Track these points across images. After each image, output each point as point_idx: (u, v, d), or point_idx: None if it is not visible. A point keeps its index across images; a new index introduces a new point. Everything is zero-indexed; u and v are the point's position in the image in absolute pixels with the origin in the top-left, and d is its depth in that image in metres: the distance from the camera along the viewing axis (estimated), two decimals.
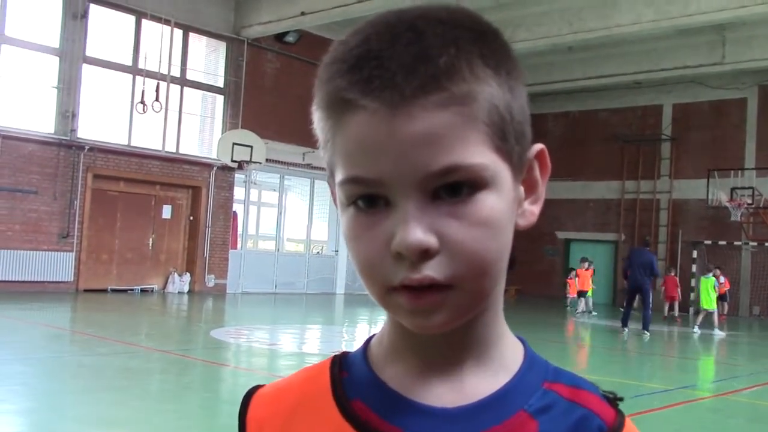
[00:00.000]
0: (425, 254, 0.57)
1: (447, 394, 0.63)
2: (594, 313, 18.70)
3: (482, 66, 0.59)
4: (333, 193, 0.66)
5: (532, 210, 0.66)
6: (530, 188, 0.66)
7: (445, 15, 0.60)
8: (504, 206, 0.60)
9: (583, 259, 19.59)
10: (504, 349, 0.66)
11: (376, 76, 0.57)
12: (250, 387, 0.74)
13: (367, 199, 0.59)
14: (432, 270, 0.57)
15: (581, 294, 18.94)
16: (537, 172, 0.66)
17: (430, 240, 0.57)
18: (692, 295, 21.51)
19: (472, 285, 0.59)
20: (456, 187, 0.58)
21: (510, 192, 0.61)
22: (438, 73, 0.57)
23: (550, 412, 0.63)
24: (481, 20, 0.62)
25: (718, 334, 15.25)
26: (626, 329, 14.37)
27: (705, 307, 15.67)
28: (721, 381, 9.53)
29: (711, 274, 16.18)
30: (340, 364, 0.69)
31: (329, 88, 0.60)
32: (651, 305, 14.29)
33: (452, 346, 0.64)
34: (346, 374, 0.68)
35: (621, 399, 0.68)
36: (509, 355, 0.66)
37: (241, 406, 0.72)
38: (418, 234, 0.57)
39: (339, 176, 0.61)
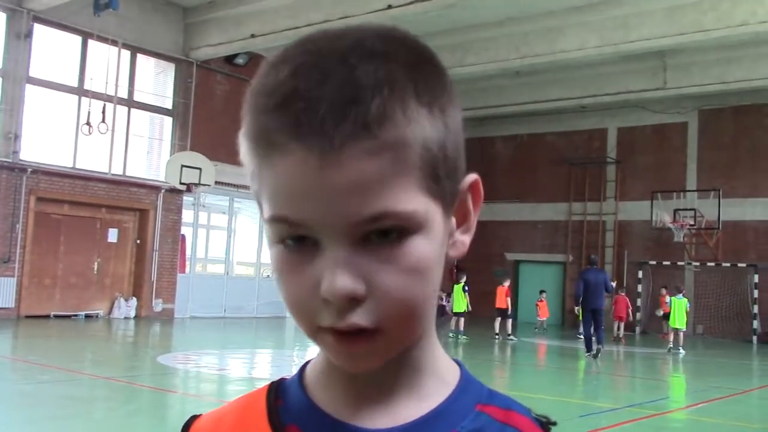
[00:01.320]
0: (352, 301, 0.57)
1: (381, 417, 0.63)
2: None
3: (416, 106, 0.57)
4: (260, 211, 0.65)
5: (463, 240, 0.65)
6: (462, 218, 0.65)
7: (380, 46, 0.57)
8: (434, 248, 0.59)
9: (500, 274, 19.54)
10: (438, 373, 0.66)
11: (304, 121, 0.55)
12: (188, 417, 0.73)
13: (296, 238, 0.58)
14: (358, 317, 0.57)
15: (503, 312, 17.41)
16: (470, 203, 0.65)
17: (358, 288, 0.56)
18: (639, 315, 21.94)
19: (399, 329, 0.59)
20: (386, 232, 0.57)
21: (440, 232, 0.60)
22: (369, 120, 0.54)
23: None
24: (416, 47, 0.60)
25: (683, 352, 15.89)
26: (592, 352, 13.54)
27: (679, 326, 16.09)
28: (666, 399, 9.70)
29: (681, 295, 16.63)
30: (276, 391, 0.68)
31: (256, 124, 0.58)
32: (603, 326, 14.08)
33: (385, 374, 0.64)
34: (281, 402, 0.67)
35: (554, 423, 0.68)
36: (443, 379, 0.66)
37: None
38: (347, 282, 0.56)
39: (266, 213, 0.59)
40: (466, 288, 16.92)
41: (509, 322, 17.40)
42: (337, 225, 0.56)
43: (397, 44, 0.59)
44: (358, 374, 0.63)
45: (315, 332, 0.60)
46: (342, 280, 0.56)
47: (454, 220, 0.64)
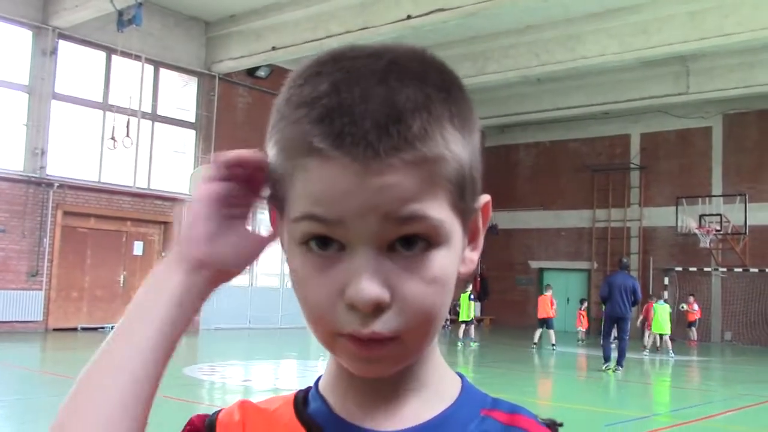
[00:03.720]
0: (377, 308, 0.58)
1: (389, 420, 0.65)
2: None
3: (451, 130, 0.60)
4: (272, 216, 0.67)
5: (472, 258, 0.67)
6: (472, 237, 0.67)
7: (417, 68, 0.60)
8: (453, 262, 0.62)
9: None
10: (442, 383, 0.68)
11: (348, 132, 0.57)
12: (212, 413, 0.73)
13: (321, 241, 0.59)
14: (381, 325, 0.58)
15: (546, 323, 17.17)
16: (480, 221, 0.67)
17: (383, 295, 0.58)
18: None
19: (416, 337, 0.61)
20: (411, 241, 0.59)
21: (459, 248, 0.63)
22: (411, 137, 0.57)
23: None
24: (446, 71, 0.62)
25: (673, 356, 16.18)
26: (609, 363, 12.74)
27: (663, 332, 16.63)
28: (694, 407, 9.58)
29: (663, 301, 17.43)
30: (304, 398, 0.70)
31: (295, 131, 0.59)
32: (628, 336, 13.10)
33: (393, 381, 0.66)
34: (307, 407, 0.69)
35: (560, 424, 0.69)
36: (447, 388, 0.68)
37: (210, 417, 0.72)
38: (375, 288, 0.57)
39: (295, 212, 0.60)
40: (472, 297, 17.32)
41: (552, 332, 17.01)
42: (369, 223, 0.57)
43: (429, 67, 0.61)
44: (367, 380, 0.65)
45: (333, 338, 0.61)
46: (371, 286, 0.57)
47: (465, 239, 0.66)
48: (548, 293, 17.56)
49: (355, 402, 0.67)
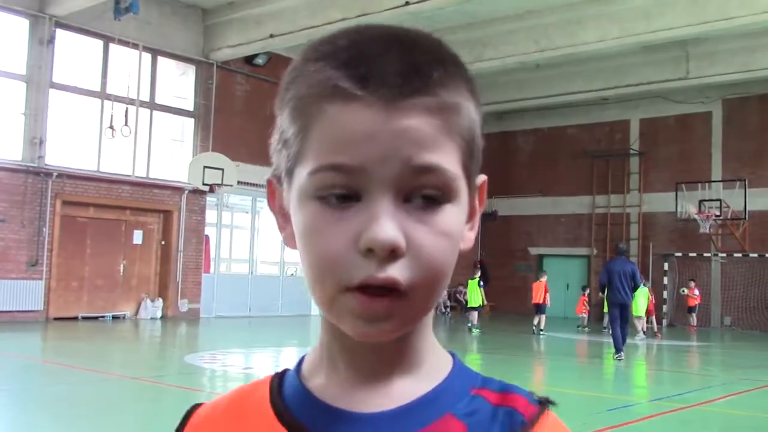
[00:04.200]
0: (393, 253, 0.58)
1: (374, 399, 0.64)
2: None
3: (464, 87, 0.63)
4: (271, 192, 0.68)
5: (470, 236, 0.68)
6: (470, 215, 0.67)
7: (430, 38, 0.63)
8: (461, 222, 0.64)
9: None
10: (433, 360, 0.68)
11: (373, 74, 0.59)
12: (189, 406, 0.74)
13: (338, 195, 0.60)
14: (396, 272, 0.58)
15: (538, 308, 17.40)
16: (477, 201, 0.68)
17: (401, 239, 0.58)
18: (664, 308, 21.77)
19: (423, 295, 0.60)
20: (426, 195, 0.60)
21: (465, 210, 0.64)
22: (432, 83, 0.60)
23: (477, 416, 0.64)
24: (453, 51, 0.65)
25: (643, 339, 16.67)
26: (623, 353, 12.38)
27: (637, 314, 16.67)
28: (693, 392, 9.62)
29: (643, 284, 17.29)
30: (280, 379, 0.71)
31: (316, 79, 0.60)
32: (627, 322, 12.93)
33: (383, 359, 0.65)
34: (282, 390, 0.69)
35: (552, 402, 0.68)
36: (438, 366, 0.68)
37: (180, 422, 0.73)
38: (391, 231, 0.58)
39: (311, 165, 0.60)
40: (481, 283, 17.36)
41: (543, 317, 17.35)
42: (390, 169, 0.59)
43: (440, 42, 0.64)
44: (355, 360, 0.65)
45: (337, 296, 0.60)
46: (389, 229, 0.58)
47: (469, 205, 0.66)
48: (543, 279, 17.78)
49: (336, 382, 0.66)
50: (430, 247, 0.59)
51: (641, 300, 16.59)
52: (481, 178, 0.68)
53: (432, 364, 0.67)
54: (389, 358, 0.65)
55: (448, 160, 0.60)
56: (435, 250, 0.60)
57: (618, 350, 12.43)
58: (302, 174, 0.61)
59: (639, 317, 16.80)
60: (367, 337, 0.61)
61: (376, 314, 0.60)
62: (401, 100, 0.58)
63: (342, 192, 0.59)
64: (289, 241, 0.66)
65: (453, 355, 0.70)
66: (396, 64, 0.59)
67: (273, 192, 0.69)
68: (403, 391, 0.65)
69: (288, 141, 0.63)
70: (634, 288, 12.68)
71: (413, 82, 0.59)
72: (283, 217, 0.67)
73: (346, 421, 0.64)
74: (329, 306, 0.61)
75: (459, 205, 0.62)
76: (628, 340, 13.28)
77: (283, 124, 0.64)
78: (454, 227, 0.62)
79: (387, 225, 0.58)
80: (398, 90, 0.58)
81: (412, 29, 0.64)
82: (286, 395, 0.68)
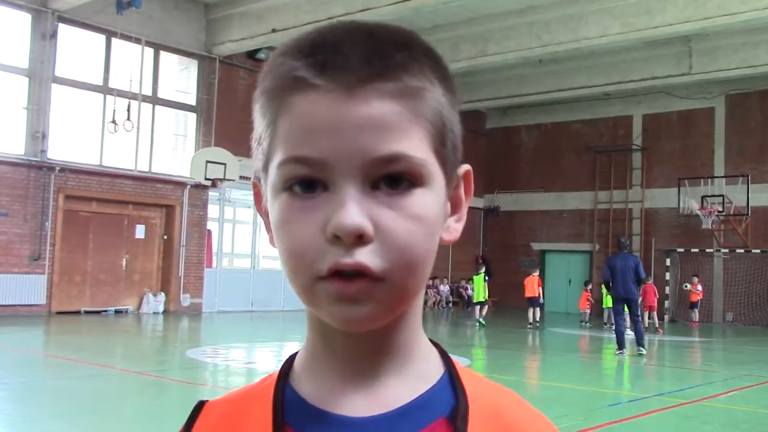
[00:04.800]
0: (360, 239, 0.57)
1: (364, 404, 0.63)
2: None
3: (431, 72, 0.62)
4: (257, 194, 0.68)
5: (456, 227, 0.67)
6: (455, 206, 0.67)
7: (401, 31, 0.63)
8: (436, 208, 0.62)
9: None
10: (422, 357, 0.66)
11: (332, 60, 0.58)
12: (196, 402, 0.74)
13: (305, 184, 0.59)
14: (365, 257, 0.58)
15: (531, 301, 17.70)
16: (462, 191, 0.68)
17: (367, 225, 0.57)
18: (666, 304, 21.75)
19: (400, 279, 0.59)
20: (395, 180, 0.59)
21: (442, 196, 0.63)
22: (394, 66, 0.59)
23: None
24: (430, 45, 0.64)
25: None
26: (624, 350, 12.32)
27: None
28: (695, 387, 9.62)
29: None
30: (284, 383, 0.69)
31: (280, 71, 0.61)
32: (639, 316, 12.76)
33: (371, 355, 0.64)
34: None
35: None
36: (428, 364, 0.66)
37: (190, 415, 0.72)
38: (356, 217, 0.57)
39: (279, 157, 0.60)
40: (486, 278, 17.62)
41: (537, 310, 17.73)
42: (353, 161, 0.58)
43: (413, 34, 0.63)
44: (343, 357, 0.64)
45: (312, 284, 0.60)
46: (353, 215, 0.57)
47: (449, 205, 0.66)
48: (535, 273, 18.36)
49: (325, 384, 0.65)
50: (400, 231, 0.58)
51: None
52: (464, 168, 0.67)
53: (422, 362, 0.66)
54: (374, 356, 0.64)
55: (413, 146, 0.59)
56: (406, 234, 0.59)
57: (620, 347, 12.35)
58: (273, 168, 0.61)
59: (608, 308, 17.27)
60: (349, 324, 0.60)
61: (352, 296, 0.58)
62: (360, 87, 0.58)
63: (308, 180, 0.59)
64: (272, 240, 0.65)
65: (444, 352, 0.69)
66: (358, 50, 0.59)
67: (258, 194, 0.68)
68: (395, 394, 0.63)
69: (260, 138, 0.63)
70: (639, 282, 12.54)
71: (374, 67, 0.58)
72: (267, 218, 0.66)
73: (337, 426, 0.62)
74: (308, 296, 0.61)
75: (433, 190, 0.61)
76: (627, 337, 13.08)
77: (256, 121, 0.64)
78: (427, 211, 0.60)
79: (352, 211, 0.57)
80: (357, 76, 0.58)
81: (385, 23, 0.63)
82: (286, 398, 0.67)
